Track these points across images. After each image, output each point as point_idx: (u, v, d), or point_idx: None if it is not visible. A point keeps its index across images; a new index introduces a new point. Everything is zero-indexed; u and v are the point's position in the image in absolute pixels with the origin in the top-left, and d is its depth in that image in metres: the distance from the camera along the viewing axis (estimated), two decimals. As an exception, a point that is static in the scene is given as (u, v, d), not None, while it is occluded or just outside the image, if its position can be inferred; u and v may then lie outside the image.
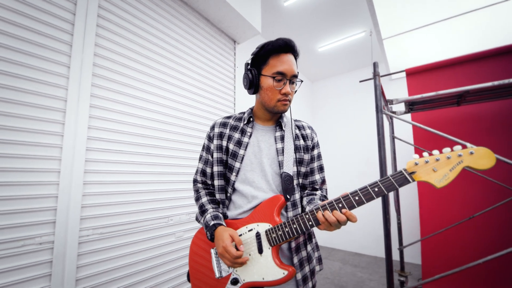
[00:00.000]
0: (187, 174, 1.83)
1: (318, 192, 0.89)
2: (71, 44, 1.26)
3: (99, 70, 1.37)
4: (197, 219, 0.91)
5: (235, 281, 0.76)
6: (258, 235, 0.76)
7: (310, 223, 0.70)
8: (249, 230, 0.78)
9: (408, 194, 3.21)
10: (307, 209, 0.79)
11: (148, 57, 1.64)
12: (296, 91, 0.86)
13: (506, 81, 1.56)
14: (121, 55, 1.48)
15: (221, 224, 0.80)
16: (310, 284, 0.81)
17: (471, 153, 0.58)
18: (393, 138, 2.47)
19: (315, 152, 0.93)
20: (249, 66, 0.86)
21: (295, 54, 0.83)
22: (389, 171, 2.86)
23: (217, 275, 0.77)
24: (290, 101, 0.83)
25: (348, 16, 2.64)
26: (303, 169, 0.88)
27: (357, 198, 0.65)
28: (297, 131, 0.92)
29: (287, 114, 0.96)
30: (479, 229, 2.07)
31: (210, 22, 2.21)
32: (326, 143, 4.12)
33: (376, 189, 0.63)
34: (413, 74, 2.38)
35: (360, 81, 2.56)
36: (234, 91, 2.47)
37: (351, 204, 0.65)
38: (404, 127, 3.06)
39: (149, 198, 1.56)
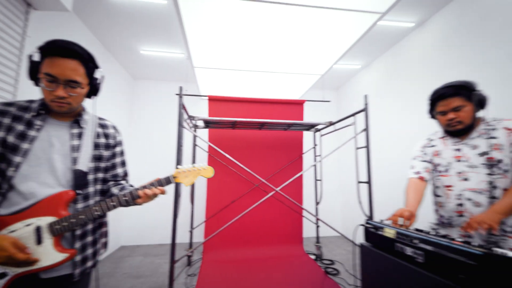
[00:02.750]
0: None
1: (124, 182, 1.04)
2: None
3: None
4: None
5: (2, 275, 0.74)
6: (38, 229, 0.78)
7: (126, 198, 0.88)
8: (27, 225, 0.78)
9: (203, 190, 4.11)
10: (121, 193, 0.92)
11: None
12: (87, 94, 0.91)
13: (251, 119, 2.70)
14: None
15: None
16: (90, 263, 0.92)
17: (205, 168, 1.04)
18: (194, 145, 3.17)
19: (118, 149, 1.04)
20: (32, 58, 0.82)
21: (78, 58, 0.83)
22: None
23: None
24: (69, 103, 0.84)
25: (171, 36, 3.04)
26: (102, 165, 0.97)
27: (155, 184, 0.94)
28: (100, 130, 0.98)
29: (90, 111, 0.98)
30: (237, 207, 3.22)
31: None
32: (140, 139, 4.21)
33: (162, 182, 0.95)
34: (213, 100, 3.26)
35: (176, 94, 3.03)
36: (18, 65, 1.95)
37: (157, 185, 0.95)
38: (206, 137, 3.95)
39: None
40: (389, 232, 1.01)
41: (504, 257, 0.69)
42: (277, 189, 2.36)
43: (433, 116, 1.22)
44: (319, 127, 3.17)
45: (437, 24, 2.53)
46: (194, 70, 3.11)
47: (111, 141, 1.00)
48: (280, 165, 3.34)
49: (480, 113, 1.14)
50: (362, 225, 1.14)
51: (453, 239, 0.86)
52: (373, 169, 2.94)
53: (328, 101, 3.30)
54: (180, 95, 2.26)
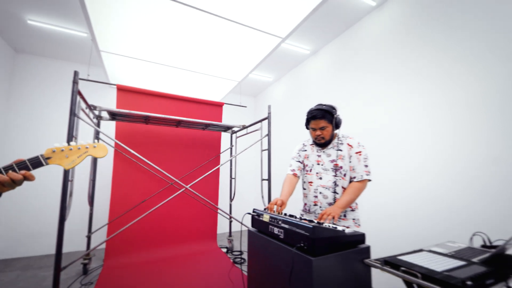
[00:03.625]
0: None
1: None
2: None
3: None
4: None
5: None
6: None
7: None
8: None
9: (106, 190, 3.68)
10: None
11: None
12: None
13: (166, 116, 2.64)
14: None
15: None
16: None
17: (95, 146, 0.85)
18: (96, 139, 2.82)
19: None
20: None
21: None
22: (88, 167, 3.11)
23: None
24: None
25: (68, 9, 2.60)
26: None
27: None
28: None
29: None
30: (149, 207, 3.05)
31: None
32: (24, 124, 3.41)
33: (26, 164, 0.74)
34: (122, 90, 2.97)
35: (80, 79, 2.61)
36: None
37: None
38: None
39: None
40: (266, 217, 1.27)
41: (325, 228, 1.02)
42: (187, 186, 2.41)
43: (308, 128, 1.58)
44: (235, 129, 3.41)
45: (324, 55, 3.20)
46: (101, 54, 2.77)
47: None
48: (197, 164, 3.39)
49: (336, 131, 1.57)
50: (249, 213, 1.37)
51: (304, 219, 1.17)
52: (277, 169, 3.40)
53: (245, 107, 3.60)
54: (75, 81, 1.99)
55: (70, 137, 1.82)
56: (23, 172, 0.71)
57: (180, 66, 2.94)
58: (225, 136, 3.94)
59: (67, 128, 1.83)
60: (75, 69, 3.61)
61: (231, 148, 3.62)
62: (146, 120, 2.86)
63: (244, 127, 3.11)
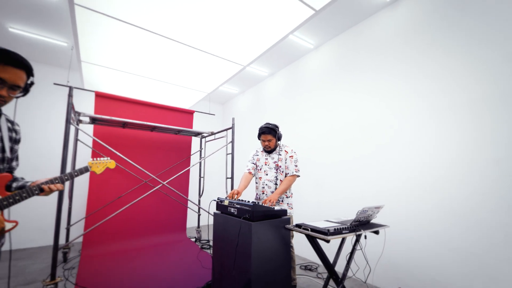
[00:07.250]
0: None
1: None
2: None
3: None
4: None
5: None
6: None
7: (37, 192, 1.07)
8: None
9: (83, 186, 3.91)
10: (27, 184, 1.11)
11: None
12: (18, 96, 1.04)
13: (143, 122, 3.06)
14: None
15: None
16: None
17: (109, 161, 1.45)
18: (76, 140, 3.10)
19: (20, 145, 1.19)
20: None
21: (24, 68, 1.00)
22: (68, 165, 3.38)
23: None
24: (5, 101, 1.00)
25: (51, 20, 2.83)
26: (12, 156, 1.09)
27: (66, 178, 1.19)
28: (9, 125, 1.10)
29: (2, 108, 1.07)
30: (123, 204, 3.40)
31: None
32: None
33: (75, 174, 1.24)
34: (101, 97, 3.29)
35: (55, 84, 2.87)
36: None
37: (62, 180, 1.17)
38: (89, 131, 3.78)
39: None
40: (226, 202, 1.88)
41: (260, 205, 1.66)
42: (165, 182, 2.89)
43: (259, 139, 2.22)
44: (204, 134, 3.93)
45: (280, 78, 3.93)
46: (81, 64, 3.06)
47: (18, 137, 1.14)
48: (170, 164, 3.83)
49: (278, 142, 2.24)
50: (214, 200, 1.97)
51: (249, 201, 1.81)
52: (238, 169, 4.01)
53: (213, 114, 4.16)
54: (70, 94, 2.34)
55: (66, 141, 2.18)
56: (59, 185, 1.15)
57: (155, 77, 3.35)
58: (195, 140, 4.43)
59: (63, 134, 2.19)
60: (48, 69, 3.73)
61: (200, 151, 4.13)
62: (124, 125, 3.23)
63: (212, 133, 3.66)
